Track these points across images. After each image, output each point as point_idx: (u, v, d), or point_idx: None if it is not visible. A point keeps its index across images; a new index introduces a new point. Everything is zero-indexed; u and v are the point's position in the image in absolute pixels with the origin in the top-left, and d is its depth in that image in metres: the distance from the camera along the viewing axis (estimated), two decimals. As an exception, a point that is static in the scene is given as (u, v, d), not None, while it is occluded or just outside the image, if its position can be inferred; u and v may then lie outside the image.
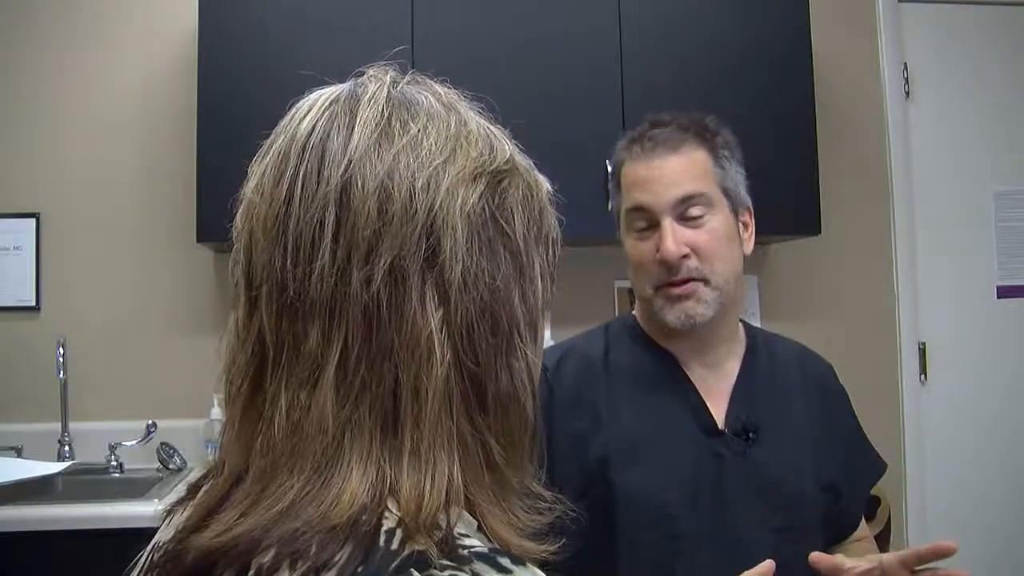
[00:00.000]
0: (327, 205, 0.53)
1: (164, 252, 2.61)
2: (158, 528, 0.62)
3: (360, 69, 0.60)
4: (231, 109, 2.30)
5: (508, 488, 0.56)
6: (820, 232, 2.56)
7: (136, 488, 2.26)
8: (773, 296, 2.82)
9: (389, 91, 0.57)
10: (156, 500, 2.09)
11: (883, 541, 2.58)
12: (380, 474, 0.51)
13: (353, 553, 0.47)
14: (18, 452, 2.45)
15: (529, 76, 2.42)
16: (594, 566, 1.10)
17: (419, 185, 0.53)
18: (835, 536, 1.27)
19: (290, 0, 2.39)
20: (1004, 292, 2.94)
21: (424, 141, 0.55)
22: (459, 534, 0.50)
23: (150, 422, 2.44)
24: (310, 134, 0.55)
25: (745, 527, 1.17)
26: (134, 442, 2.44)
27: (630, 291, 1.50)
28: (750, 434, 1.20)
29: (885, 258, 2.89)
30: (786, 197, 2.47)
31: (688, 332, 1.20)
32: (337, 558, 0.47)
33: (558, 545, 0.55)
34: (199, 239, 2.35)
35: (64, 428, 2.49)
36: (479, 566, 0.48)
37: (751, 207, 1.26)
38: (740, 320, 1.31)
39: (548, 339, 2.45)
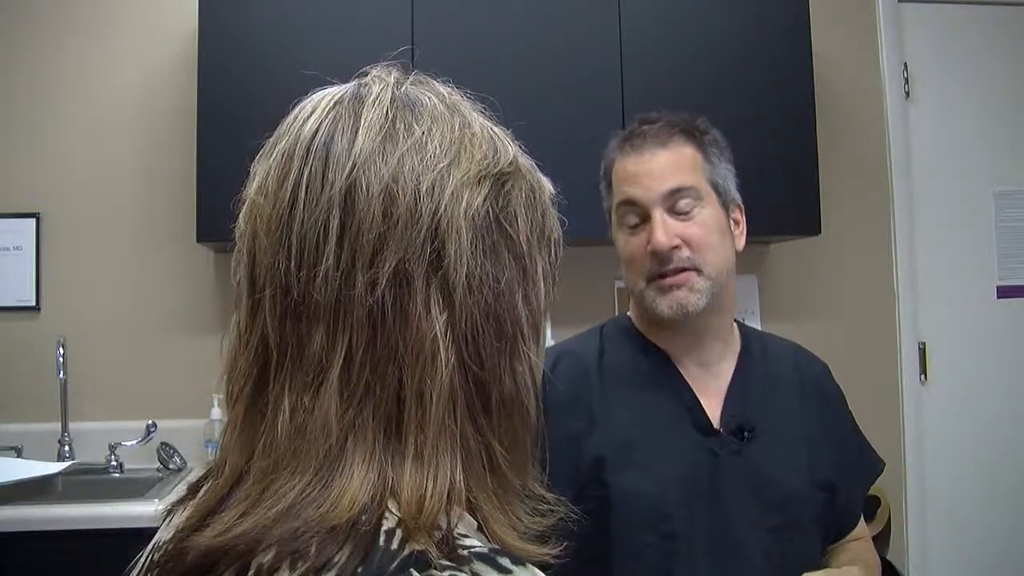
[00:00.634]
0: (331, 208, 0.53)
1: (164, 252, 2.61)
2: (158, 528, 0.62)
3: (364, 69, 0.60)
4: (231, 109, 2.30)
5: (510, 490, 0.56)
6: (820, 232, 2.56)
7: (136, 488, 2.26)
8: (773, 296, 2.82)
9: (393, 92, 0.57)
10: (156, 500, 2.09)
11: (883, 541, 2.58)
12: (381, 476, 0.51)
13: (353, 553, 0.47)
14: (18, 452, 2.45)
15: (529, 76, 2.42)
16: (590, 567, 1.10)
17: (424, 188, 0.53)
18: (832, 535, 1.27)
19: (290, 0, 2.39)
20: (1004, 292, 2.94)
21: (428, 144, 0.55)
22: (459, 534, 0.50)
23: (150, 422, 2.44)
24: (314, 135, 0.55)
25: (741, 526, 1.17)
26: (134, 442, 2.44)
27: (630, 291, 1.50)
28: (745, 433, 1.20)
29: (885, 258, 2.89)
30: (786, 197, 2.48)
31: (681, 325, 1.20)
32: (337, 558, 0.47)
33: (560, 548, 0.55)
34: (199, 239, 2.35)
35: (64, 428, 2.49)
36: (479, 566, 0.48)
37: (742, 205, 1.27)
38: (735, 320, 1.31)
39: (549, 339, 2.45)
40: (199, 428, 2.50)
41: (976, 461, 2.88)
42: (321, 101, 0.57)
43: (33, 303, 2.58)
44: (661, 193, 1.18)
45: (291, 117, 0.58)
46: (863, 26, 2.90)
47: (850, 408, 1.35)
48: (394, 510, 0.50)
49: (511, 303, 0.56)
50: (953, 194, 2.93)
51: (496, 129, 0.60)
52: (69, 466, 2.32)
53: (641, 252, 1.19)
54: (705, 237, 1.18)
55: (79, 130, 2.61)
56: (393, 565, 0.47)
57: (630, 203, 1.20)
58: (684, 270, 1.17)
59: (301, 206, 0.53)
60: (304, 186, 0.54)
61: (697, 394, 1.23)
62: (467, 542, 0.49)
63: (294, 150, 0.55)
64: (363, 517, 0.49)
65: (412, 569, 0.46)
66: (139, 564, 0.61)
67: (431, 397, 0.52)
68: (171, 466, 2.44)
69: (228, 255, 0.59)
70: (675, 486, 1.17)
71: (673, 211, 1.18)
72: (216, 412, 2.46)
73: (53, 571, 1.96)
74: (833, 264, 2.85)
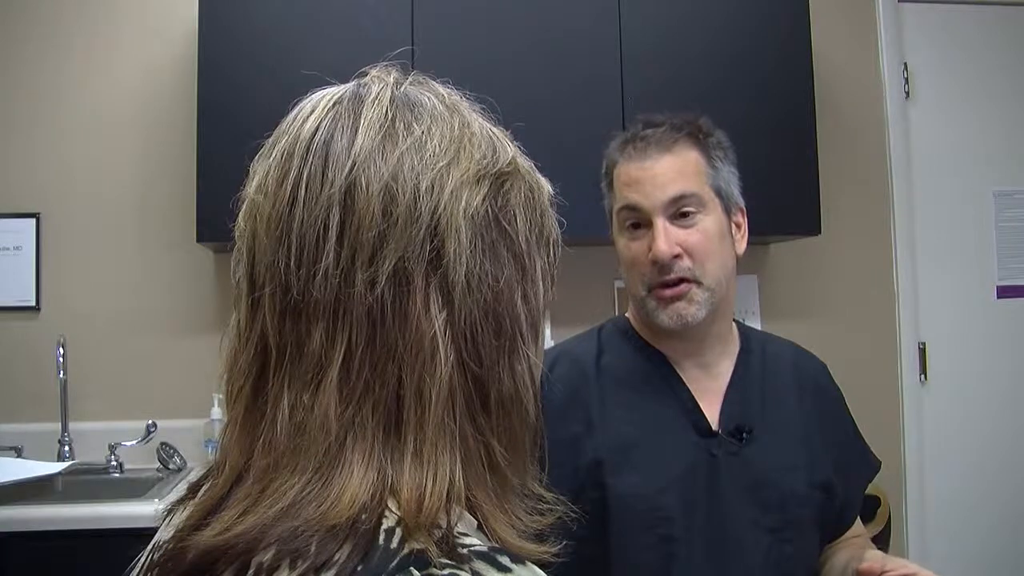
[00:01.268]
0: (331, 206, 0.53)
1: (164, 252, 2.61)
2: (158, 528, 0.62)
3: (363, 70, 0.60)
4: (231, 109, 2.30)
5: (509, 489, 0.56)
6: (820, 232, 2.56)
7: (136, 488, 2.26)
8: (773, 296, 2.83)
9: (393, 92, 0.57)
10: (156, 500, 2.09)
11: (883, 541, 2.58)
12: (381, 474, 0.51)
13: (353, 552, 0.47)
14: (18, 452, 2.45)
15: (529, 76, 2.42)
16: (589, 569, 1.10)
17: (423, 187, 0.53)
18: (830, 535, 1.27)
19: (290, 0, 2.39)
20: (1004, 292, 2.94)
21: (428, 143, 0.55)
22: (459, 533, 0.50)
23: (150, 422, 2.44)
24: (314, 135, 0.55)
25: (739, 527, 1.17)
26: (134, 442, 2.44)
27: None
28: (744, 434, 1.20)
29: (885, 258, 2.89)
30: (786, 197, 2.48)
31: (681, 333, 1.20)
32: (337, 557, 0.47)
33: (559, 547, 0.55)
34: (199, 239, 2.35)
35: (64, 428, 2.49)
36: (479, 564, 0.48)
37: (744, 207, 1.26)
38: (733, 320, 1.31)
39: (548, 340, 2.45)
40: (199, 428, 2.50)
41: (976, 461, 2.88)
42: (320, 101, 0.58)
43: (33, 303, 2.58)
44: (663, 201, 1.17)
45: (290, 117, 0.58)
46: (863, 26, 2.90)
47: (849, 408, 1.35)
48: (394, 509, 0.50)
49: (510, 302, 0.56)
50: (953, 194, 2.93)
51: (495, 129, 0.60)
52: (69, 466, 2.33)
53: (642, 258, 1.19)
54: (706, 246, 1.18)
55: (79, 130, 2.61)
56: (393, 564, 0.47)
57: (632, 209, 1.20)
58: (684, 281, 1.17)
59: (301, 205, 0.53)
60: (304, 185, 0.54)
61: (696, 396, 1.23)
62: (467, 541, 0.49)
63: (294, 149, 0.55)
64: (363, 516, 0.49)
65: (412, 568, 0.46)
66: (139, 564, 0.61)
67: (430, 395, 0.52)
68: (171, 466, 2.44)
69: (228, 255, 0.59)
70: (673, 488, 1.17)
71: (675, 217, 1.18)
72: (216, 412, 2.46)
73: (53, 571, 1.96)
74: (833, 264, 2.85)
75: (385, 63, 0.61)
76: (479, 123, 0.59)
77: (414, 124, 0.55)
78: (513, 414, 0.56)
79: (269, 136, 0.59)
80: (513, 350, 0.56)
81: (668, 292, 1.17)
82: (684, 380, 1.24)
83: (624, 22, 2.47)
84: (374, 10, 2.37)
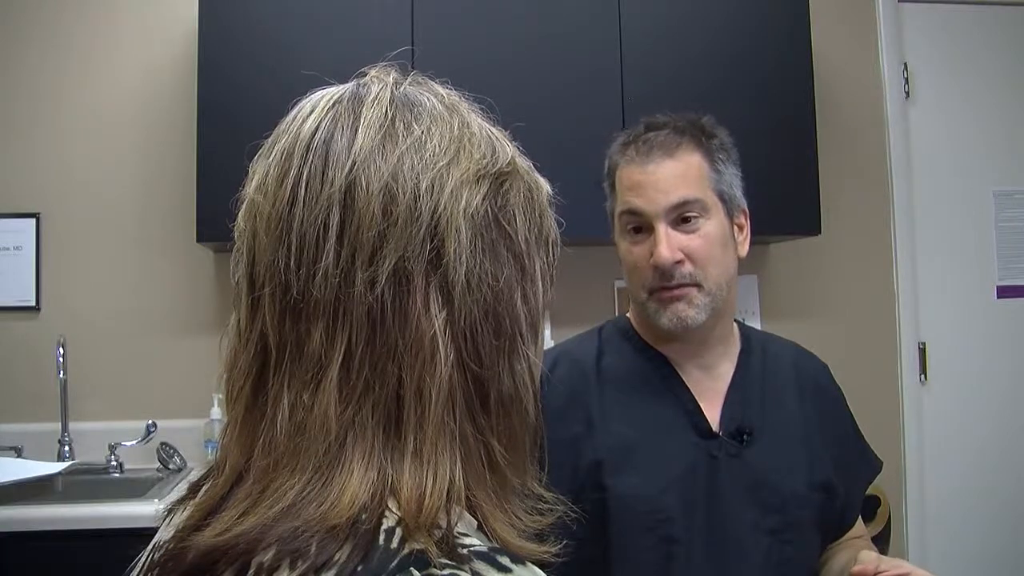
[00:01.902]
0: (331, 206, 0.53)
1: (164, 252, 2.61)
2: (158, 528, 0.62)
3: (362, 70, 0.60)
4: (231, 109, 2.30)
5: (509, 489, 0.56)
6: (820, 232, 2.56)
7: (136, 488, 2.26)
8: (773, 296, 2.83)
9: (392, 92, 0.57)
10: (156, 500, 2.09)
11: (883, 541, 2.58)
12: (381, 474, 0.51)
13: (353, 552, 0.47)
14: (18, 452, 2.45)
15: (529, 76, 2.42)
16: (589, 570, 1.10)
17: (423, 187, 0.53)
18: (832, 536, 1.27)
19: (290, 0, 2.39)
20: (1004, 292, 2.94)
21: (428, 143, 0.55)
22: (459, 533, 0.50)
23: (150, 422, 2.44)
24: (314, 134, 0.55)
25: (740, 529, 1.16)
26: (134, 442, 2.44)
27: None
28: (744, 435, 1.20)
29: (885, 258, 2.89)
30: (786, 197, 2.48)
31: (682, 334, 1.20)
32: (337, 557, 0.47)
33: (559, 546, 0.55)
34: (199, 239, 2.35)
35: (64, 428, 2.49)
36: (479, 565, 0.48)
37: (746, 209, 1.26)
38: (735, 321, 1.31)
39: (548, 340, 2.45)
40: (199, 428, 2.50)
41: (976, 461, 2.88)
42: (320, 101, 0.58)
43: (33, 303, 2.58)
44: (665, 206, 1.16)
45: (290, 117, 0.58)
46: (863, 26, 2.91)
47: (850, 408, 1.35)
48: (394, 509, 0.50)
49: (510, 302, 0.56)
50: (953, 194, 2.93)
51: (494, 130, 0.60)
52: (69, 466, 2.33)
53: (644, 263, 1.18)
54: (708, 251, 1.17)
55: (79, 130, 2.61)
56: (393, 564, 0.47)
57: (634, 213, 1.19)
58: (685, 285, 1.17)
59: (301, 204, 0.53)
60: (304, 184, 0.54)
61: (696, 397, 1.22)
62: (467, 541, 0.50)
63: (293, 149, 0.55)
64: (363, 516, 0.49)
65: (412, 568, 0.46)
66: (139, 564, 0.61)
67: (430, 395, 0.52)
68: (171, 466, 2.44)
69: (228, 255, 0.59)
70: (674, 489, 1.17)
71: (677, 223, 1.17)
72: (216, 412, 2.46)
73: (53, 571, 1.96)
74: (833, 264, 2.85)
75: (384, 63, 0.61)
76: (478, 123, 0.59)
77: (414, 124, 0.55)
78: (513, 414, 0.56)
79: (269, 136, 0.59)
80: (513, 350, 0.56)
81: (669, 293, 1.17)
82: (685, 381, 1.23)
83: (624, 22, 2.47)
84: (374, 10, 2.37)
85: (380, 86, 0.58)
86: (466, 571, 0.47)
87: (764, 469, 1.19)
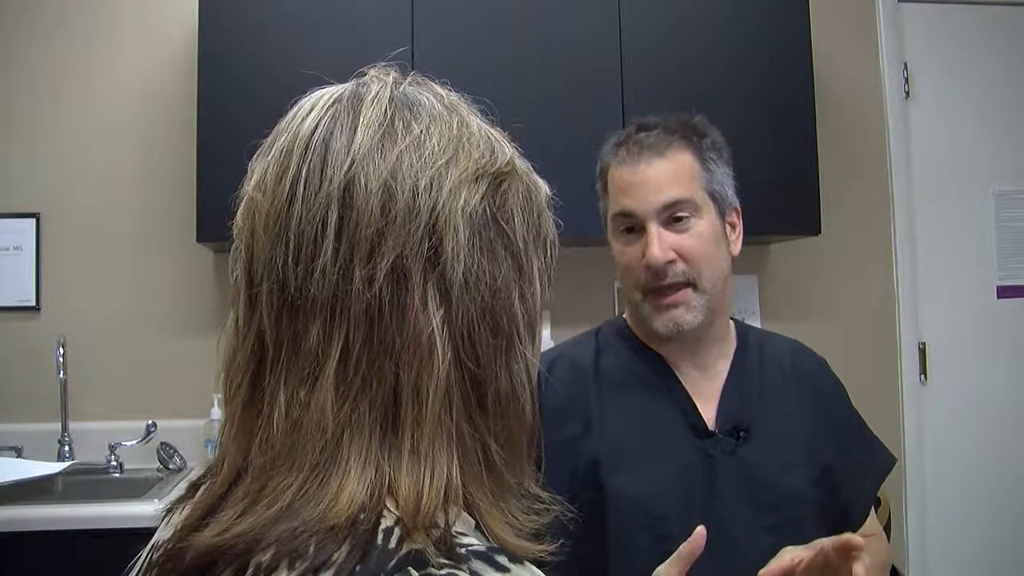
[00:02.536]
0: (330, 204, 0.53)
1: (164, 252, 2.61)
2: (158, 528, 0.62)
3: (362, 70, 0.61)
4: (231, 109, 2.30)
5: (506, 488, 0.56)
6: (820, 232, 2.56)
7: (136, 488, 2.26)
8: (773, 296, 2.83)
9: (392, 91, 0.57)
10: (156, 500, 2.09)
11: (883, 541, 2.58)
12: (379, 473, 0.51)
13: (351, 552, 0.47)
14: (18, 452, 2.45)
15: (529, 76, 2.42)
16: (586, 570, 1.10)
17: (422, 185, 0.53)
18: (836, 534, 1.27)
19: (290, 0, 2.40)
20: (1004, 292, 2.94)
21: (427, 142, 0.55)
22: (457, 533, 0.50)
23: (150, 422, 2.44)
24: (313, 132, 0.55)
25: (737, 527, 1.16)
26: (134, 442, 2.44)
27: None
28: (740, 433, 1.20)
29: (885, 258, 2.89)
30: (786, 197, 2.48)
31: (677, 337, 1.20)
32: (335, 557, 0.47)
33: (556, 545, 0.55)
34: (199, 239, 2.35)
35: (64, 428, 2.49)
36: (477, 564, 0.48)
37: (738, 207, 1.26)
38: (731, 319, 1.31)
39: (548, 340, 2.45)
40: (199, 428, 2.50)
41: (976, 461, 2.88)
42: (320, 99, 0.58)
43: (33, 303, 2.58)
44: (657, 206, 1.17)
45: (289, 115, 0.58)
46: (863, 26, 2.90)
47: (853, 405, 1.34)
48: (392, 508, 0.50)
49: (507, 301, 0.56)
50: (953, 194, 2.93)
51: (492, 130, 0.60)
52: (69, 466, 2.33)
53: (637, 263, 1.19)
54: (701, 249, 1.18)
55: (79, 130, 2.61)
56: (391, 564, 0.47)
57: (626, 214, 1.20)
58: (680, 287, 1.17)
59: (299, 202, 0.53)
60: (303, 182, 0.54)
61: (693, 396, 1.23)
62: (465, 540, 0.50)
63: (293, 147, 0.55)
64: (361, 516, 0.49)
65: (410, 568, 0.46)
66: (139, 564, 0.61)
67: (427, 393, 0.52)
68: (171, 466, 2.44)
69: (228, 255, 0.59)
70: (670, 488, 1.17)
71: (669, 222, 1.18)
72: (216, 412, 2.46)
73: (53, 571, 1.96)
74: (833, 264, 2.85)
75: (384, 63, 0.61)
76: (477, 123, 0.59)
77: (413, 123, 0.56)
78: (510, 413, 0.57)
79: (269, 135, 0.59)
80: (510, 349, 0.56)
81: (665, 300, 1.18)
82: (681, 381, 1.24)
83: (624, 22, 2.47)
84: (374, 10, 2.38)
85: (380, 85, 0.58)
86: (464, 570, 0.47)
87: (761, 467, 1.19)
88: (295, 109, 0.58)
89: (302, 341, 0.53)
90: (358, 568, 0.46)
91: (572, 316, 2.23)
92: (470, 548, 0.49)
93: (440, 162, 0.55)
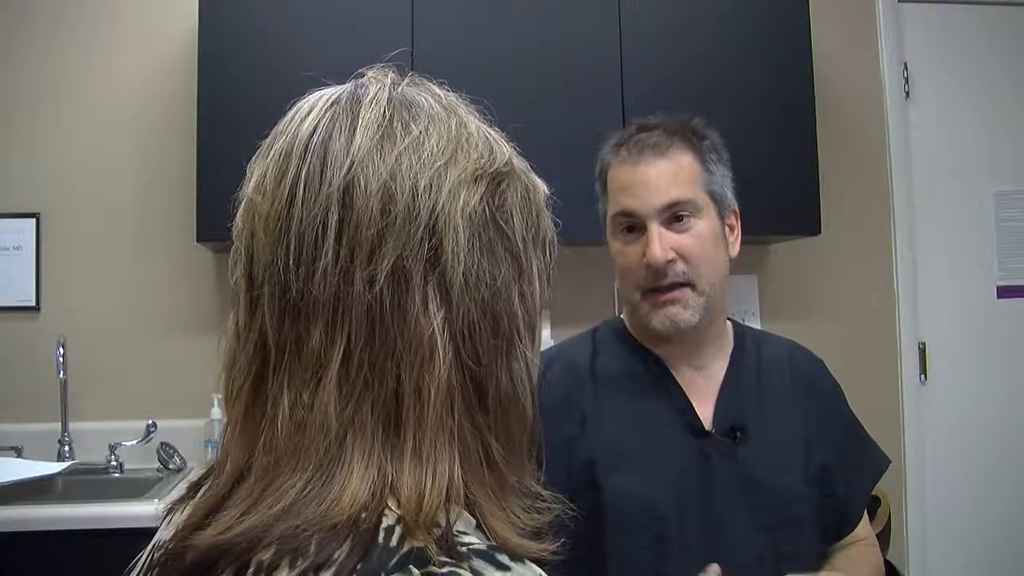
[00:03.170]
0: (330, 205, 0.53)
1: (164, 252, 2.61)
2: (158, 527, 0.62)
3: (360, 71, 0.61)
4: (231, 109, 2.30)
5: (507, 487, 0.57)
6: (820, 232, 2.56)
7: (136, 488, 2.26)
8: (773, 296, 2.83)
9: (390, 93, 0.58)
10: (156, 500, 2.09)
11: (883, 541, 2.58)
12: (381, 473, 0.51)
13: (352, 550, 0.47)
14: (18, 452, 2.45)
15: (529, 77, 2.42)
16: (584, 570, 1.10)
17: (422, 186, 0.54)
18: (832, 534, 1.27)
19: (290, 0, 2.40)
20: (1004, 292, 2.94)
21: (426, 143, 0.55)
22: (458, 531, 0.50)
23: (150, 422, 2.44)
24: (312, 134, 0.55)
25: (734, 528, 1.17)
26: (134, 442, 2.44)
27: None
28: (737, 433, 1.20)
29: (885, 258, 2.89)
30: (786, 197, 2.48)
31: (674, 336, 1.21)
32: (336, 555, 0.47)
33: (557, 544, 0.55)
34: (199, 239, 2.35)
35: (64, 428, 2.49)
36: (478, 563, 0.48)
37: (737, 209, 1.27)
38: (730, 320, 1.31)
39: (547, 340, 2.45)
40: (199, 428, 2.50)
41: (976, 461, 2.88)
42: (318, 101, 0.58)
43: (33, 303, 2.58)
44: (657, 206, 1.17)
45: (288, 117, 0.58)
46: (863, 26, 2.91)
47: (850, 405, 1.34)
48: (394, 507, 0.50)
49: (507, 301, 0.56)
50: (953, 194, 2.93)
51: (491, 130, 0.61)
52: (69, 466, 2.33)
53: (636, 263, 1.19)
54: (700, 250, 1.18)
55: (79, 130, 2.62)
56: (392, 562, 0.47)
57: (626, 214, 1.20)
58: (678, 286, 1.18)
59: (299, 204, 0.54)
60: (302, 184, 0.54)
61: (689, 396, 1.23)
62: (466, 539, 0.50)
63: (292, 149, 0.55)
64: (363, 515, 0.49)
65: (411, 566, 0.47)
66: (139, 564, 0.61)
67: (429, 393, 0.52)
68: (171, 466, 2.45)
69: (228, 255, 0.59)
70: (667, 489, 1.17)
71: (669, 222, 1.18)
72: (216, 412, 2.46)
73: (53, 571, 1.96)
74: (833, 264, 2.85)
75: (382, 64, 0.61)
76: (476, 124, 0.59)
77: (412, 124, 0.56)
78: (511, 413, 0.57)
79: (268, 136, 0.59)
80: (510, 349, 0.56)
81: (663, 297, 1.18)
82: (678, 381, 1.24)
83: (624, 22, 2.47)
84: (374, 10, 2.38)
85: (378, 87, 0.58)
86: (465, 569, 0.47)
87: (758, 467, 1.19)
88: (293, 111, 0.58)
89: (304, 343, 0.53)
90: (359, 566, 0.46)
91: (572, 316, 2.23)
92: (471, 547, 0.49)
93: (439, 163, 0.55)
